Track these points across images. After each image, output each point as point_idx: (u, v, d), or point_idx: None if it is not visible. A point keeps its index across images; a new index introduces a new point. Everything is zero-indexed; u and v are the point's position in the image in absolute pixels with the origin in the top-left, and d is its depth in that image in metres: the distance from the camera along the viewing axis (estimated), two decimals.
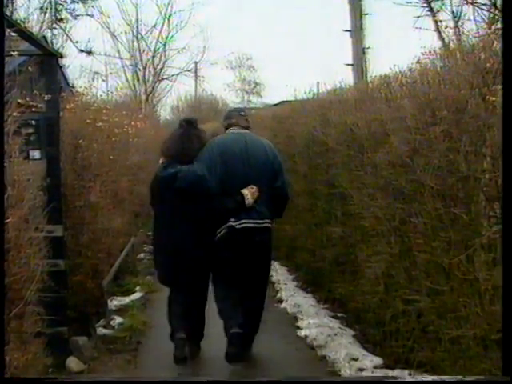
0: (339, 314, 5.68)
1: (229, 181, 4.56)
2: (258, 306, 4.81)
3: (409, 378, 4.01)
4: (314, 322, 5.46)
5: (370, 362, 4.49)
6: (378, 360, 4.50)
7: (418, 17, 14.28)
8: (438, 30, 14.43)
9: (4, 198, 2.77)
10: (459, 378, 3.43)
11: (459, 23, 13.32)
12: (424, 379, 3.74)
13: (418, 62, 4.50)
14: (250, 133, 4.89)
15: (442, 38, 13.40)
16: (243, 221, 4.55)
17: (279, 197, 4.77)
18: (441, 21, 13.62)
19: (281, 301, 6.38)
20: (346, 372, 4.42)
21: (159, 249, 4.88)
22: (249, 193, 4.55)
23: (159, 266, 4.92)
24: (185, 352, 4.59)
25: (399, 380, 4.04)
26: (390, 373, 4.22)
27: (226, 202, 4.55)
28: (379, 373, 4.29)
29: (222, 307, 4.69)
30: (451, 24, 13.69)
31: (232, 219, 4.54)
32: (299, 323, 5.57)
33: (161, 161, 4.87)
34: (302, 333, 5.31)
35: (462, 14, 13.60)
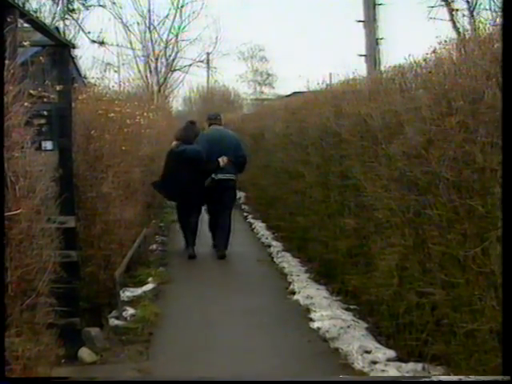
0: (352, 306, 5.64)
1: (211, 154, 8.29)
2: (228, 219, 8.53)
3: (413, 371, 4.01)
4: (327, 314, 5.43)
5: (383, 355, 4.45)
6: (391, 353, 4.46)
7: (432, 7, 14.16)
8: (452, 20, 14.31)
9: (4, 193, 2.75)
10: (459, 378, 3.39)
11: (474, 12, 13.19)
12: (424, 379, 3.71)
13: (433, 51, 4.43)
14: (223, 128, 9.10)
15: (456, 28, 13.29)
16: (219, 175, 8.35)
17: (241, 162, 8.68)
18: (456, 10, 13.48)
19: (293, 292, 6.35)
20: (359, 364, 4.39)
21: (176, 191, 8.45)
22: (221, 160, 8.30)
23: (175, 195, 8.66)
24: (194, 252, 8.33)
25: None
26: (404, 366, 4.19)
27: (210, 165, 8.30)
28: (392, 366, 4.26)
29: (211, 221, 8.77)
30: (466, 14, 13.56)
31: (213, 174, 8.34)
32: (312, 315, 5.54)
33: (173, 143, 8.57)
34: (315, 325, 5.28)
35: (478, 4, 13.46)
